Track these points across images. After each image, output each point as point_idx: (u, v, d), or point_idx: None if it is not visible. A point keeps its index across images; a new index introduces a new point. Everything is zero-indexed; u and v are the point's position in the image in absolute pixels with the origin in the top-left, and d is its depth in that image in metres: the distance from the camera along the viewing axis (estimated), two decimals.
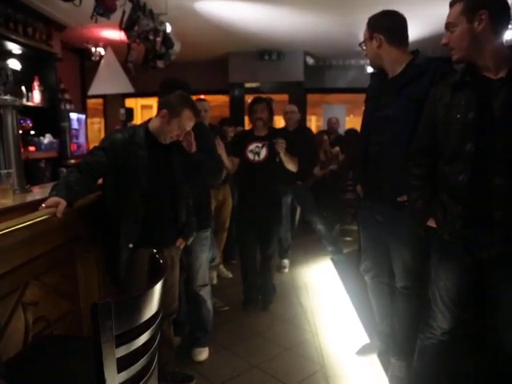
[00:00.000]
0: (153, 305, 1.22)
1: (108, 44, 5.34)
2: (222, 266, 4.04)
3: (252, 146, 3.18)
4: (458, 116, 1.61)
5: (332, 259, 4.51)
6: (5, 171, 1.79)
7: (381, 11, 2.07)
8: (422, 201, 1.79)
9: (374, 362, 2.49)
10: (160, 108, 2.05)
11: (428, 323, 1.86)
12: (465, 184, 1.59)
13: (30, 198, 1.93)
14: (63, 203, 1.67)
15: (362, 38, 2.15)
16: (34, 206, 1.68)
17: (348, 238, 5.23)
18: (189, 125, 2.08)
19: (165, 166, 2.09)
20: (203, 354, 2.62)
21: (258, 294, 3.38)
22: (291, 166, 3.21)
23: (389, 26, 2.04)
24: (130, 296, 1.23)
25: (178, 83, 2.42)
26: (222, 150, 2.93)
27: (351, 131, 5.72)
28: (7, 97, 1.94)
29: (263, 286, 3.37)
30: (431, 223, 1.74)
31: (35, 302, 1.70)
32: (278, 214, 3.35)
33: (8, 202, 1.72)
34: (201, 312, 2.63)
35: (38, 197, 1.90)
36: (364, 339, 2.74)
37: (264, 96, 3.63)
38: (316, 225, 4.35)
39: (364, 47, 2.15)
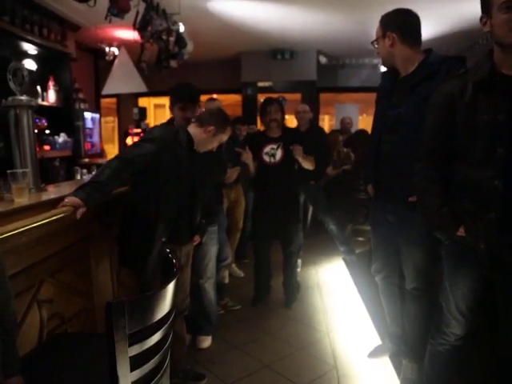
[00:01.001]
0: (166, 304, 1.23)
1: (122, 44, 5.38)
2: (234, 265, 4.06)
3: (267, 149, 3.16)
4: (485, 117, 1.53)
5: (344, 259, 4.50)
6: (21, 170, 1.81)
7: (394, 9, 2.04)
8: (447, 208, 1.67)
9: (385, 363, 2.48)
10: (202, 123, 2.16)
11: (440, 329, 1.81)
12: (499, 190, 1.51)
13: (45, 196, 1.94)
14: (84, 207, 1.69)
15: (375, 37, 2.13)
16: (49, 204, 1.70)
17: (360, 238, 5.20)
18: (226, 138, 2.27)
19: (192, 169, 2.16)
20: (206, 342, 2.72)
21: (268, 292, 3.40)
22: (309, 165, 3.20)
23: (402, 24, 2.01)
24: (143, 295, 1.24)
25: (191, 90, 2.47)
26: (249, 159, 3.05)
27: (361, 132, 5.61)
28: (23, 97, 1.95)
29: (286, 284, 3.38)
30: (460, 232, 1.65)
31: (50, 300, 1.73)
32: (296, 213, 3.34)
33: (24, 200, 1.74)
34: (203, 303, 2.70)
35: (52, 196, 1.92)
36: (376, 340, 2.72)
37: (276, 95, 3.61)
38: (328, 225, 4.34)
39: (376, 45, 2.12)
